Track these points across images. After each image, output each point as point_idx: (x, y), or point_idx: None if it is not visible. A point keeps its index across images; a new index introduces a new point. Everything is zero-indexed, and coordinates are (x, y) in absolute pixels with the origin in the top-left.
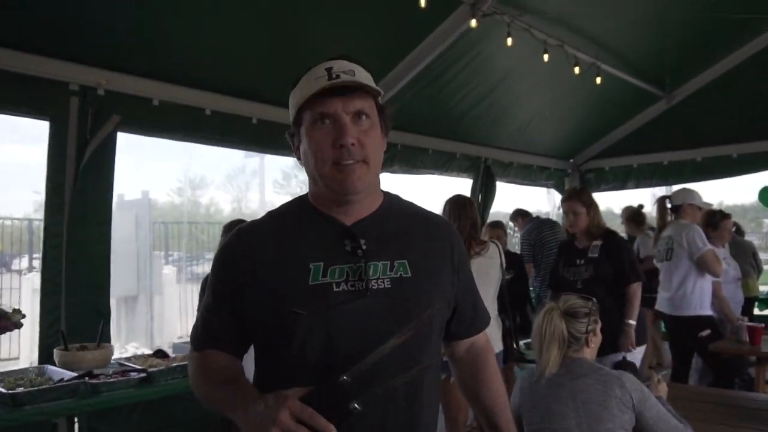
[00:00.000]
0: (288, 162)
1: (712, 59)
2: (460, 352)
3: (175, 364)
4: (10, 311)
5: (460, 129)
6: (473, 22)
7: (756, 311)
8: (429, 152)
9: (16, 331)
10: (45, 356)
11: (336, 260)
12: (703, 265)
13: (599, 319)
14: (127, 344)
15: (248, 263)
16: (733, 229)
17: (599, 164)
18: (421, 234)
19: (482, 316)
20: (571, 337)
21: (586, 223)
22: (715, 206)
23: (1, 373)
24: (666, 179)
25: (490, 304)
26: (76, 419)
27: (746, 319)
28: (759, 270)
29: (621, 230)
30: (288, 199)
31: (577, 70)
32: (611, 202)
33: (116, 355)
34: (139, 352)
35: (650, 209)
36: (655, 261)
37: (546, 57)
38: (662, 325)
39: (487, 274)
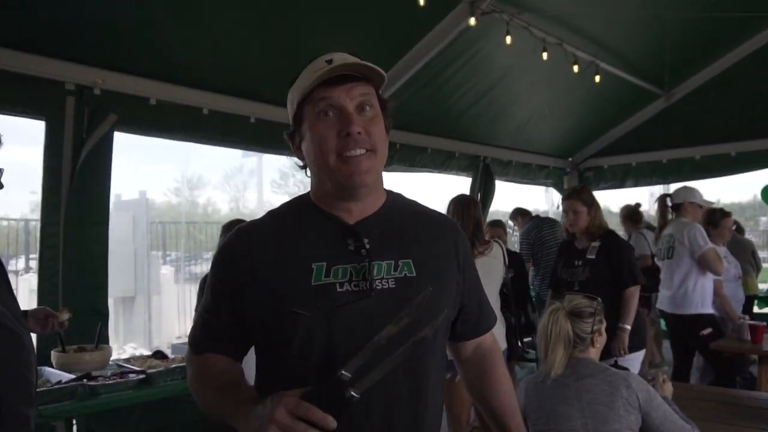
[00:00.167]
0: (286, 162)
1: (711, 57)
2: (466, 353)
3: (174, 365)
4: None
5: (459, 127)
6: (472, 21)
7: (756, 309)
8: (428, 151)
9: None
10: (42, 358)
11: (339, 260)
12: (704, 264)
13: (604, 319)
14: (125, 345)
15: (248, 263)
16: (734, 228)
17: (598, 162)
18: (425, 233)
19: (488, 316)
20: (577, 337)
21: (586, 223)
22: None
23: None
24: (665, 177)
25: (494, 303)
26: (74, 422)
27: (748, 317)
28: (758, 268)
29: (618, 229)
30: (286, 199)
31: (576, 68)
32: (609, 200)
33: (114, 356)
34: (137, 353)
35: (647, 208)
36: (656, 259)
37: (545, 55)
38: (662, 323)
39: (491, 274)
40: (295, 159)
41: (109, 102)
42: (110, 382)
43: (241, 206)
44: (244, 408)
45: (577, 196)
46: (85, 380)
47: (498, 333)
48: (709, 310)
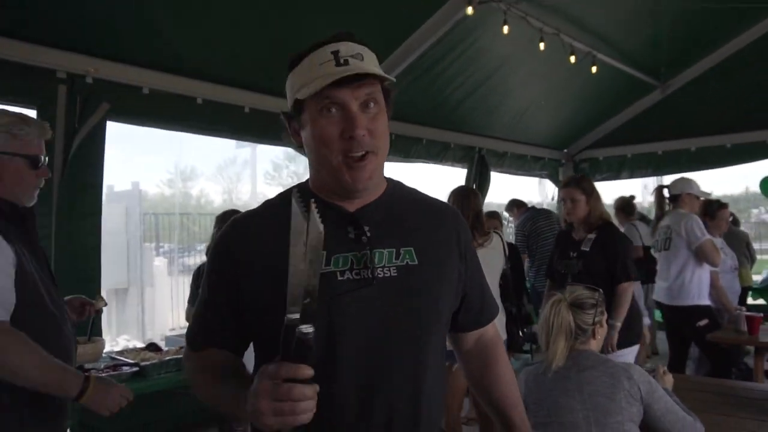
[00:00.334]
0: (279, 153)
1: (708, 48)
2: (468, 344)
3: (167, 358)
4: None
5: (455, 118)
6: (469, 10)
7: (750, 300)
8: (423, 142)
9: None
10: None
11: (339, 248)
12: (701, 255)
13: (605, 311)
14: (118, 337)
15: (244, 254)
16: (730, 219)
17: (593, 154)
18: (426, 221)
19: (491, 306)
20: (578, 328)
21: (584, 213)
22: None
23: None
24: (660, 169)
25: (494, 294)
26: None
27: (744, 308)
28: (752, 260)
29: (612, 220)
30: (280, 190)
31: (572, 59)
32: (603, 192)
33: (108, 348)
34: (130, 345)
35: (641, 200)
36: (652, 251)
37: (542, 45)
38: (658, 314)
39: (491, 265)
40: (291, 148)
41: (101, 91)
42: (103, 374)
43: (235, 198)
44: (243, 394)
45: (576, 184)
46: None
47: (498, 323)
48: (705, 301)
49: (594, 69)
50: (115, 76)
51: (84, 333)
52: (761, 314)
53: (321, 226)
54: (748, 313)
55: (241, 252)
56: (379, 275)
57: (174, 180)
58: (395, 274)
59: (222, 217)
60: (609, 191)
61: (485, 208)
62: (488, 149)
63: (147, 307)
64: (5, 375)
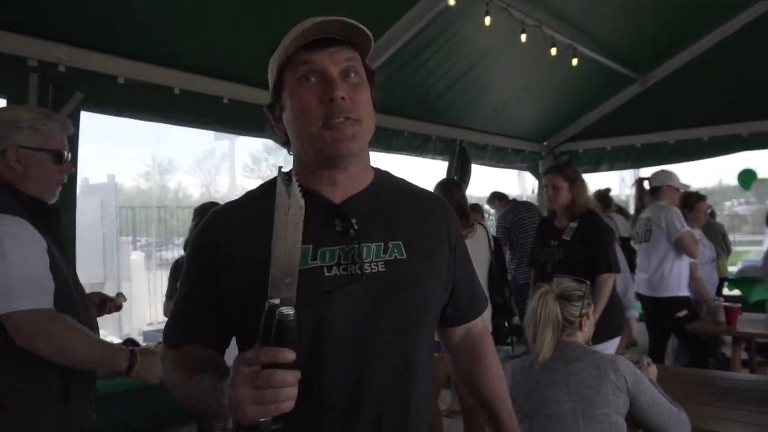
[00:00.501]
0: (258, 146)
1: (688, 40)
2: (455, 339)
3: None
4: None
5: (437, 110)
6: (451, 1)
7: (725, 291)
8: (404, 134)
9: None
10: None
11: (326, 241)
12: (681, 247)
13: (592, 302)
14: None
15: (226, 247)
16: (708, 211)
17: (573, 147)
18: (414, 212)
19: (480, 300)
20: (565, 320)
21: (566, 200)
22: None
23: None
24: (639, 162)
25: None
26: None
27: (722, 299)
28: (728, 251)
29: None
30: (259, 183)
31: (554, 51)
32: None
33: None
34: (108, 341)
35: (618, 192)
36: (632, 243)
37: (524, 37)
38: (638, 305)
39: (476, 257)
40: (272, 141)
41: (75, 80)
42: None
43: (213, 191)
44: (221, 387)
45: (558, 170)
46: None
47: (485, 314)
48: (685, 292)
49: (575, 61)
50: (90, 64)
51: None
52: (739, 305)
53: (302, 201)
54: (726, 304)
55: (221, 244)
56: (367, 270)
57: (151, 173)
58: (383, 269)
59: (200, 210)
60: (588, 183)
61: None
62: (469, 142)
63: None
64: (62, 358)
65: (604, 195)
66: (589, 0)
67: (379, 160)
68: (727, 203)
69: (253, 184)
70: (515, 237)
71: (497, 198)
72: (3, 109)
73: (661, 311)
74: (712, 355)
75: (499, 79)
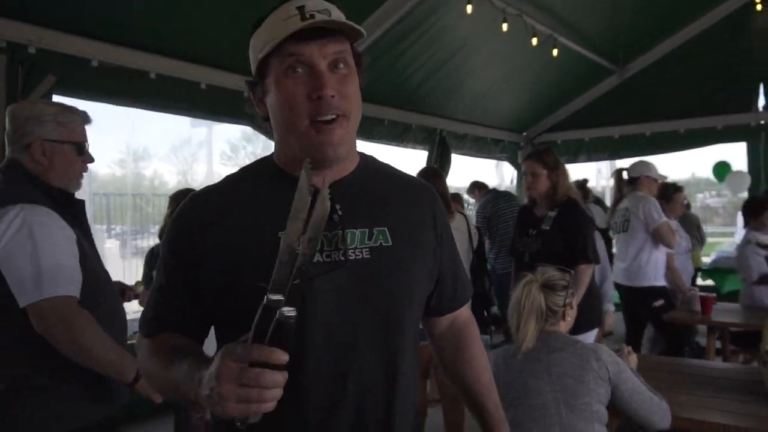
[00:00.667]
0: (236, 133)
1: (668, 32)
2: (440, 328)
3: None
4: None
5: (417, 99)
6: None
7: (699, 281)
8: (385, 123)
9: None
10: None
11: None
12: (658, 237)
13: (576, 292)
14: None
15: (204, 233)
16: (685, 203)
17: (552, 137)
18: (400, 198)
19: (465, 289)
20: (549, 310)
21: (545, 188)
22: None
23: None
24: (617, 153)
25: None
26: None
27: (697, 289)
28: (703, 242)
29: None
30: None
31: (534, 41)
32: None
33: None
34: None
35: (594, 183)
36: (611, 232)
37: (505, 26)
38: (615, 295)
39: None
40: (251, 129)
41: (46, 62)
42: None
43: (190, 179)
44: (199, 376)
45: (537, 157)
46: None
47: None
48: (661, 282)
49: (555, 52)
50: (61, 46)
51: None
52: (714, 294)
53: (328, 204)
54: (702, 294)
55: (200, 231)
56: (351, 257)
57: (125, 160)
58: (368, 256)
59: (175, 197)
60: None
61: None
62: (449, 131)
63: None
64: (74, 352)
65: (581, 186)
66: None
67: (360, 149)
68: (700, 195)
69: (231, 172)
70: (495, 227)
71: (477, 188)
72: (24, 104)
73: (638, 301)
74: (687, 344)
75: (479, 68)
